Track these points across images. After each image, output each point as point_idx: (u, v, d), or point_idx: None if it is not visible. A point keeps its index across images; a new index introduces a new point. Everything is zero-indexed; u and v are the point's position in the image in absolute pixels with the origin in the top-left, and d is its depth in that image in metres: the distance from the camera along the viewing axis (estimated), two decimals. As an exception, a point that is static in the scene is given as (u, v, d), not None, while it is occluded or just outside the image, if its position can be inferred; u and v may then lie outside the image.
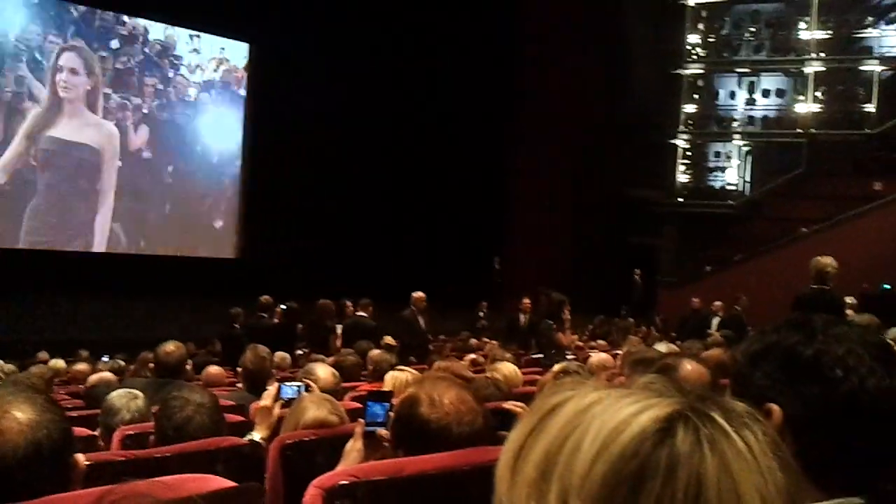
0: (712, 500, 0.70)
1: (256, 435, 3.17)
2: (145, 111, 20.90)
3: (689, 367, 2.86)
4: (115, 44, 20.56)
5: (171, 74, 21.45)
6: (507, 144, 21.65)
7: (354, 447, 2.30)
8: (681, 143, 22.58)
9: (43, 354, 11.30)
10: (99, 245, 20.09)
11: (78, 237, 19.73)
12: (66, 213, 19.51)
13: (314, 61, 20.86)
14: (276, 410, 3.31)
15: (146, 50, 21.05)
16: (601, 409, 0.74)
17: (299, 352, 10.28)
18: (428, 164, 21.16)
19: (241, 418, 3.60)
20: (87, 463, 1.74)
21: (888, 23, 21.10)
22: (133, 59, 20.78)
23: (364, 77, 21.21)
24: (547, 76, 21.30)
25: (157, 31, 21.18)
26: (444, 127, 21.11)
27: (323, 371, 4.35)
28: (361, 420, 2.38)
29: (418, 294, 10.50)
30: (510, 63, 21.49)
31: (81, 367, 8.58)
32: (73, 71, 19.51)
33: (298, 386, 3.55)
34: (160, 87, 21.26)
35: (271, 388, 3.45)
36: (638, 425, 0.72)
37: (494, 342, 11.40)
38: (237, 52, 22.59)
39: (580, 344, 11.92)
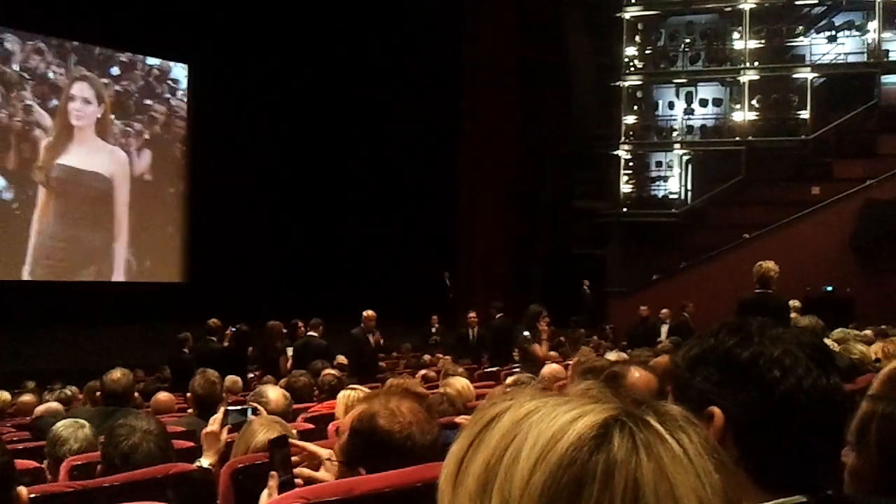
0: (650, 503, 0.70)
1: (205, 461, 3.13)
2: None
3: (636, 374, 2.89)
4: (115, 71, 21.00)
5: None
6: (453, 160, 21.73)
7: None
8: (623, 153, 22.85)
9: (-14, 387, 11.02)
10: (40, 274, 19.71)
11: (13, 266, 19.32)
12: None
13: (257, 81, 20.78)
14: (224, 435, 3.28)
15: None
16: (538, 417, 0.75)
17: (251, 375, 10.19)
18: (375, 182, 21.21)
19: (191, 444, 3.56)
20: (33, 495, 1.71)
21: (818, 31, 21.64)
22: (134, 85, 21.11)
23: (311, 97, 21.18)
24: (488, 93, 21.47)
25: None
26: (390, 145, 21.20)
27: (274, 393, 4.32)
28: (274, 473, 2.28)
29: (368, 313, 10.46)
30: (452, 81, 21.60)
31: (27, 398, 8.38)
32: (85, 100, 20.07)
33: (245, 409, 3.52)
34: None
35: (218, 414, 3.42)
36: (574, 433, 0.72)
37: (447, 357, 11.40)
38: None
39: (553, 354, 11.97)
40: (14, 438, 5.20)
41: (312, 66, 21.10)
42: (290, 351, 10.51)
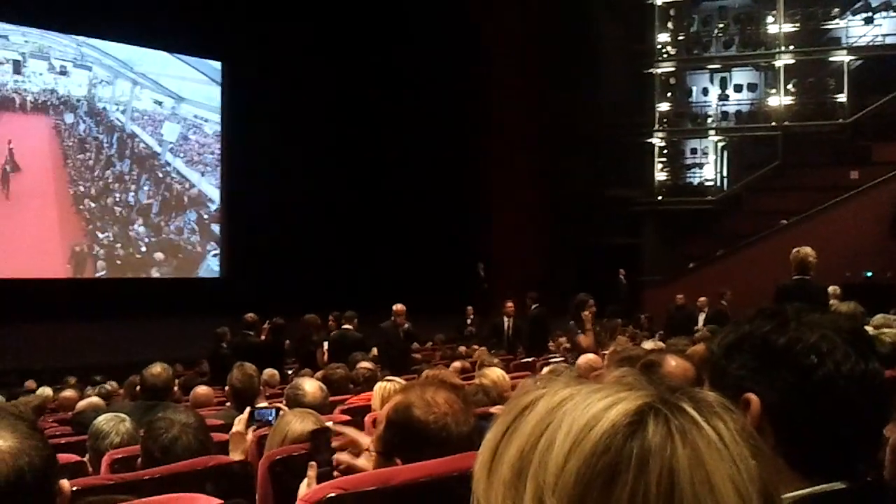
0: (685, 490, 0.70)
1: (232, 458, 3.17)
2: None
3: (673, 362, 2.87)
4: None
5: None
6: (484, 151, 21.69)
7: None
8: (657, 141, 22.69)
9: (30, 383, 11.23)
10: (81, 271, 20.07)
11: (58, 263, 19.67)
12: (41, 238, 19.45)
13: (290, 78, 20.86)
14: (250, 435, 3.33)
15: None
16: (572, 405, 0.75)
17: (289, 370, 10.27)
18: (407, 175, 21.20)
19: (229, 437, 3.60)
20: (75, 488, 1.73)
21: (854, 13, 21.31)
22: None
23: (342, 94, 21.26)
24: (519, 82, 21.38)
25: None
26: (421, 138, 21.16)
27: (310, 385, 4.35)
28: (313, 463, 2.31)
29: (398, 306, 10.49)
30: (481, 70, 21.55)
31: (69, 393, 8.51)
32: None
33: (271, 409, 3.56)
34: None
35: (244, 414, 3.46)
36: (608, 420, 0.72)
37: (482, 348, 11.41)
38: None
39: (568, 346, 11.93)
40: (56, 433, 5.28)
41: (345, 62, 21.16)
42: (325, 343, 10.57)
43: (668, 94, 22.83)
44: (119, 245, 20.95)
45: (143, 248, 21.49)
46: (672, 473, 0.70)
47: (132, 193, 21.39)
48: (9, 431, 1.57)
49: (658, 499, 0.69)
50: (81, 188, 20.43)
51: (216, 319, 12.10)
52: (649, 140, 22.59)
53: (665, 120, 22.76)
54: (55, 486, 1.62)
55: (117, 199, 21.06)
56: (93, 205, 20.57)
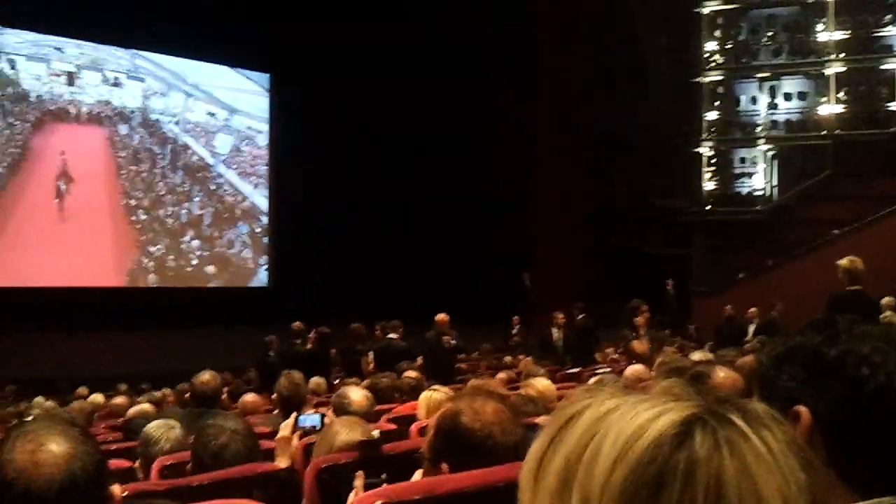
0: (733, 502, 0.69)
1: (279, 464, 3.20)
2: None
3: (722, 374, 2.84)
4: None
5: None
6: (531, 160, 21.65)
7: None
8: (705, 150, 22.46)
9: (82, 390, 11.43)
10: (133, 282, 20.38)
11: (110, 274, 19.99)
12: (94, 248, 19.78)
13: (336, 89, 21.04)
14: (295, 441, 3.35)
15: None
16: (618, 415, 0.75)
17: (335, 379, 10.32)
18: (454, 185, 21.23)
19: (275, 443, 3.63)
20: (125, 494, 1.76)
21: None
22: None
23: (385, 101, 21.35)
24: (566, 91, 21.32)
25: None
26: (466, 148, 21.20)
27: (356, 394, 4.37)
28: (361, 473, 2.35)
29: (440, 316, 10.47)
30: (528, 82, 21.54)
31: (120, 400, 8.65)
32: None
33: (316, 415, 3.59)
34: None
35: (289, 420, 3.49)
36: (655, 430, 0.72)
37: (528, 358, 11.37)
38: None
39: (615, 357, 11.85)
40: (108, 439, 5.36)
41: (390, 70, 21.27)
42: (371, 353, 10.60)
43: (717, 103, 22.59)
44: (171, 258, 21.23)
45: (195, 262, 21.73)
46: (719, 485, 0.70)
47: (184, 205, 21.66)
48: (62, 437, 1.61)
49: None
50: (134, 200, 20.76)
51: (264, 328, 12.23)
52: (697, 149, 22.36)
53: (713, 129, 22.53)
54: (107, 491, 1.65)
55: (169, 212, 21.34)
56: (145, 216, 20.88)
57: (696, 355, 6.08)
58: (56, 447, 1.59)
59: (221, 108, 22.43)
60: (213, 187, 22.25)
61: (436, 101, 21.30)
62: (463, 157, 21.23)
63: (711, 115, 22.47)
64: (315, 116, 21.01)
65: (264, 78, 22.88)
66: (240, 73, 22.53)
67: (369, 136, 21.48)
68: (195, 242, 21.71)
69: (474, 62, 21.01)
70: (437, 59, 21.27)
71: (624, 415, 0.74)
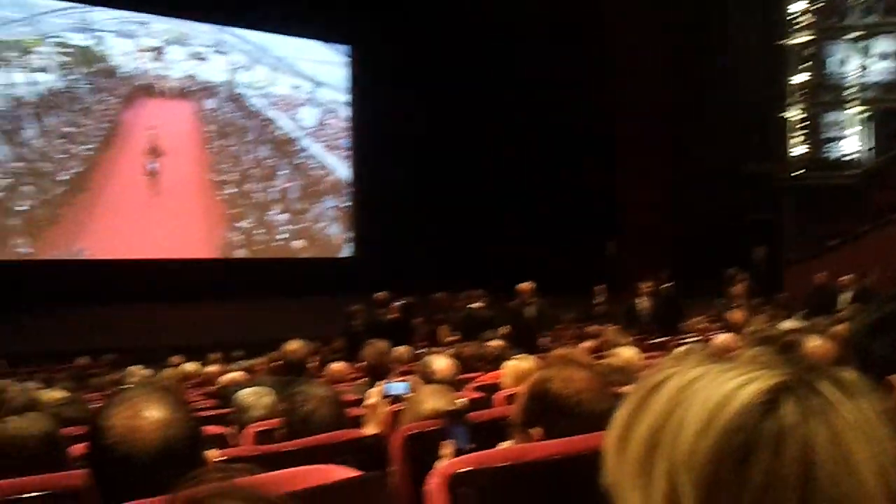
0: (823, 471, 0.68)
1: (368, 431, 3.25)
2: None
3: (813, 343, 2.78)
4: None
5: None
6: (614, 125, 21.32)
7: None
8: (793, 114, 21.77)
9: (176, 359, 11.77)
10: (222, 254, 20.82)
11: (200, 248, 20.46)
12: (185, 221, 20.26)
13: (413, 56, 21.03)
14: (383, 407, 3.40)
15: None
16: (704, 383, 0.74)
17: (422, 348, 10.42)
18: (536, 151, 21.09)
19: (364, 412, 3.69)
20: (220, 459, 1.81)
21: None
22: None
23: (466, 67, 21.27)
24: (650, 54, 20.87)
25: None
26: (547, 114, 20.97)
27: (441, 362, 4.40)
28: (448, 441, 2.38)
29: (523, 285, 10.44)
30: (609, 43, 21.16)
31: (213, 368, 8.88)
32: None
33: (404, 383, 3.62)
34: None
35: (376, 387, 3.53)
36: (742, 398, 0.71)
37: (613, 327, 11.26)
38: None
39: (702, 326, 11.65)
40: (203, 406, 5.52)
41: (471, 39, 21.16)
42: (446, 324, 10.68)
43: (805, 65, 21.85)
44: (258, 232, 21.55)
45: (282, 237, 22.02)
46: (809, 453, 0.69)
47: (271, 180, 21.93)
48: (159, 403, 1.67)
49: (794, 479, 0.68)
50: (222, 174, 21.12)
51: (349, 298, 12.40)
52: (786, 113, 21.69)
53: (802, 92, 21.81)
54: (201, 456, 1.70)
55: (256, 186, 21.64)
56: (232, 191, 21.22)
57: (787, 324, 5.95)
58: (153, 414, 1.64)
59: (305, 80, 22.60)
60: (299, 161, 22.47)
61: (518, 68, 21.10)
62: (545, 124, 21.03)
63: (800, 78, 21.75)
64: (397, 87, 21.05)
65: (345, 50, 22.97)
66: (322, 45, 22.65)
67: (448, 104, 21.43)
68: (282, 217, 21.99)
69: (551, 21, 20.70)
70: (515, 24, 21.01)
71: (710, 383, 0.74)
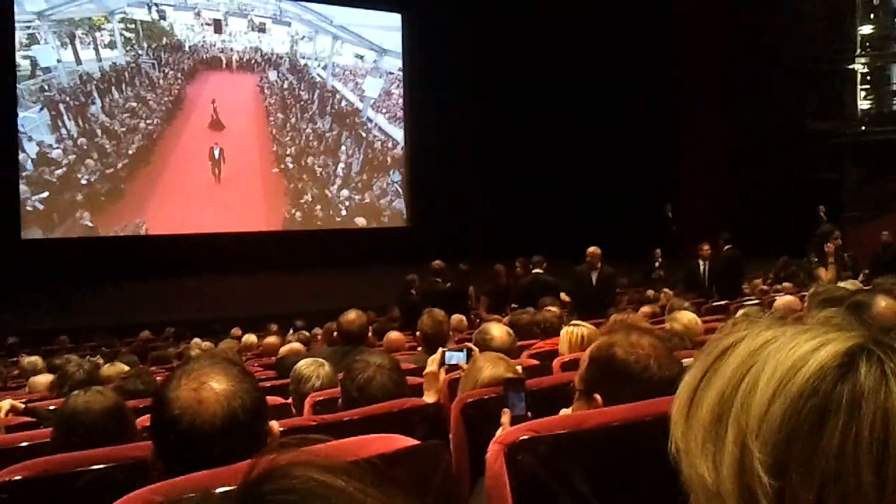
0: None
1: (427, 399, 3.26)
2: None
3: (882, 303, 2.70)
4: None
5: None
6: (671, 83, 20.93)
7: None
8: (859, 67, 21.16)
9: (236, 331, 11.97)
10: (282, 225, 20.98)
11: (259, 221, 20.65)
12: (245, 195, 20.47)
13: (471, 28, 20.89)
14: (443, 375, 3.39)
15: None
16: (776, 346, 0.72)
17: (478, 316, 10.44)
18: (591, 115, 20.83)
19: (421, 380, 3.70)
20: (281, 429, 1.82)
21: None
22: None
23: (522, 38, 21.07)
24: (704, 10, 20.39)
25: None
26: (604, 77, 20.69)
27: (498, 330, 4.39)
28: (506, 409, 2.38)
29: (592, 249, 10.31)
30: (666, 2, 20.73)
31: (271, 339, 9.01)
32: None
33: (462, 351, 3.62)
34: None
35: (436, 355, 3.53)
36: (816, 362, 0.69)
37: (670, 291, 11.15)
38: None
39: (765, 288, 11.46)
40: (262, 377, 5.60)
41: (527, 6, 20.94)
42: (484, 296, 10.68)
43: (872, 16, 21.19)
44: (319, 207, 21.55)
45: (344, 212, 21.96)
46: (887, 417, 0.66)
47: (333, 152, 21.82)
48: (223, 375, 1.68)
49: (871, 444, 0.65)
50: (283, 147, 21.11)
51: (405, 267, 12.45)
52: (851, 66, 21.10)
53: (868, 44, 21.16)
54: (266, 427, 1.71)
55: (318, 159, 21.57)
56: (293, 165, 21.23)
57: (849, 285, 5.80)
58: (218, 385, 1.65)
59: (370, 48, 22.29)
60: (362, 133, 22.27)
61: (574, 37, 20.81)
62: (600, 85, 20.75)
63: (866, 29, 21.11)
64: (447, 55, 20.93)
65: (397, 18, 22.80)
66: (383, 12, 22.38)
67: (503, 71, 21.27)
68: (344, 192, 21.93)
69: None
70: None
71: (782, 346, 0.71)
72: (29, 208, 18.15)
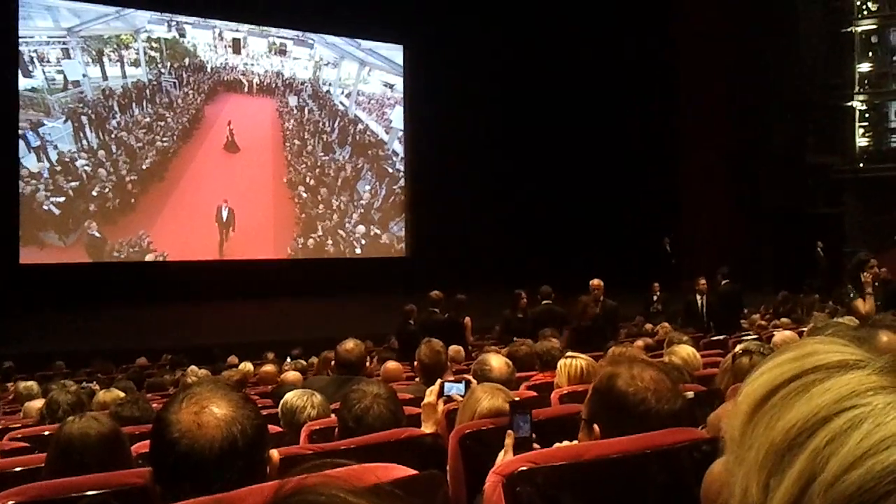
0: None
1: (425, 430, 3.24)
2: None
3: (885, 338, 2.70)
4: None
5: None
6: (672, 117, 21.01)
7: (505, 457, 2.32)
8: (857, 104, 21.29)
9: (233, 358, 11.93)
10: (286, 254, 20.88)
11: (269, 251, 20.54)
12: (252, 223, 20.37)
13: (470, 56, 20.99)
14: (441, 407, 3.38)
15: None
16: (883, 404, 0.66)
17: (476, 347, 10.42)
18: (593, 149, 20.90)
19: (418, 410, 3.68)
20: (280, 457, 1.81)
21: None
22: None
23: (524, 65, 21.17)
24: (711, 43, 20.52)
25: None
26: (606, 110, 20.78)
27: (496, 361, 4.38)
28: (511, 432, 2.38)
29: (595, 281, 10.29)
30: (669, 36, 20.87)
31: (268, 368, 8.98)
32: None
33: (461, 383, 3.61)
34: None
35: (434, 386, 3.52)
36: None
37: (667, 325, 11.13)
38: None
39: (763, 323, 11.45)
40: (259, 406, 5.56)
41: (526, 33, 21.05)
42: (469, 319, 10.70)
43: (870, 54, 21.35)
44: (331, 242, 21.16)
45: (358, 249, 21.45)
46: None
47: (351, 185, 21.40)
48: (224, 401, 1.67)
49: None
50: (298, 175, 20.81)
51: (403, 297, 12.42)
52: (850, 103, 21.23)
53: (867, 81, 21.32)
54: (265, 454, 1.70)
55: (335, 191, 21.12)
56: (307, 194, 20.86)
57: (846, 320, 5.80)
58: (219, 410, 1.65)
59: (399, 75, 21.90)
60: (386, 166, 21.91)
61: (572, 61, 20.91)
62: (601, 118, 20.83)
63: (864, 67, 21.27)
64: (447, 85, 21.01)
65: (399, 49, 22.90)
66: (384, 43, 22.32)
67: (505, 101, 21.37)
68: (360, 228, 21.57)
69: (611, 12, 20.46)
70: (573, 14, 20.79)
71: (891, 408, 0.66)
72: (45, 208, 18.30)
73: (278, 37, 20.83)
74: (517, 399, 2.65)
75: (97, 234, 18.78)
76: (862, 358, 0.71)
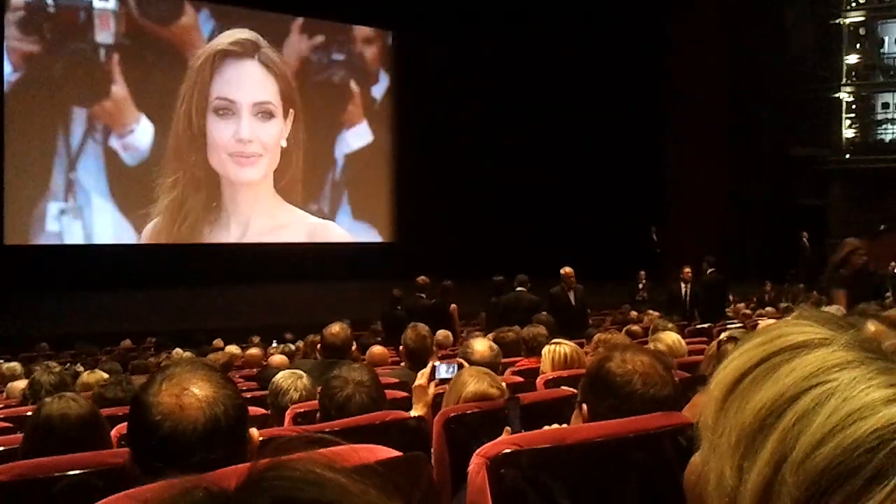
0: None
1: (415, 413, 3.24)
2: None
3: (872, 328, 2.71)
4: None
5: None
6: (661, 110, 21.05)
7: None
8: (845, 96, 21.36)
9: (218, 342, 11.90)
10: (262, 236, 20.90)
11: (244, 230, 20.58)
12: (242, 207, 20.37)
13: (458, 42, 20.94)
14: (432, 389, 3.38)
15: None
16: (849, 380, 0.67)
17: (461, 332, 10.44)
18: (578, 135, 20.89)
19: (403, 394, 3.69)
20: (261, 438, 1.81)
21: None
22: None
23: (513, 53, 21.12)
24: (700, 34, 20.55)
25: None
26: (592, 94, 20.74)
27: (481, 345, 4.38)
28: (508, 428, 2.40)
29: (566, 270, 10.39)
30: (658, 25, 20.87)
31: (254, 351, 8.96)
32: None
33: (452, 366, 3.60)
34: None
35: (426, 368, 3.52)
36: (886, 417, 0.63)
37: (654, 313, 11.18)
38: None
39: (748, 312, 11.52)
40: (244, 388, 5.56)
41: (514, 24, 21.01)
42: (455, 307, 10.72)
43: (858, 46, 21.42)
44: (318, 228, 21.50)
45: (345, 237, 21.96)
46: None
47: (337, 170, 21.86)
48: (205, 381, 1.66)
49: None
50: (288, 159, 20.92)
51: (390, 282, 12.42)
52: (837, 95, 21.30)
53: (854, 73, 21.39)
54: (246, 434, 1.69)
55: (322, 176, 21.55)
56: (296, 181, 21.13)
57: (832, 309, 5.83)
58: (200, 391, 1.63)
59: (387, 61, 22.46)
60: (373, 152, 22.47)
61: (563, 50, 20.87)
62: (589, 106, 20.82)
63: (852, 59, 21.33)
64: (435, 72, 20.97)
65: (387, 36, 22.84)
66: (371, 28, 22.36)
67: (491, 87, 21.33)
68: (346, 213, 22.10)
69: (603, 6, 20.44)
70: (565, 16, 20.74)
71: (856, 382, 0.66)
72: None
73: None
74: (512, 396, 2.67)
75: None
76: (827, 336, 0.72)
